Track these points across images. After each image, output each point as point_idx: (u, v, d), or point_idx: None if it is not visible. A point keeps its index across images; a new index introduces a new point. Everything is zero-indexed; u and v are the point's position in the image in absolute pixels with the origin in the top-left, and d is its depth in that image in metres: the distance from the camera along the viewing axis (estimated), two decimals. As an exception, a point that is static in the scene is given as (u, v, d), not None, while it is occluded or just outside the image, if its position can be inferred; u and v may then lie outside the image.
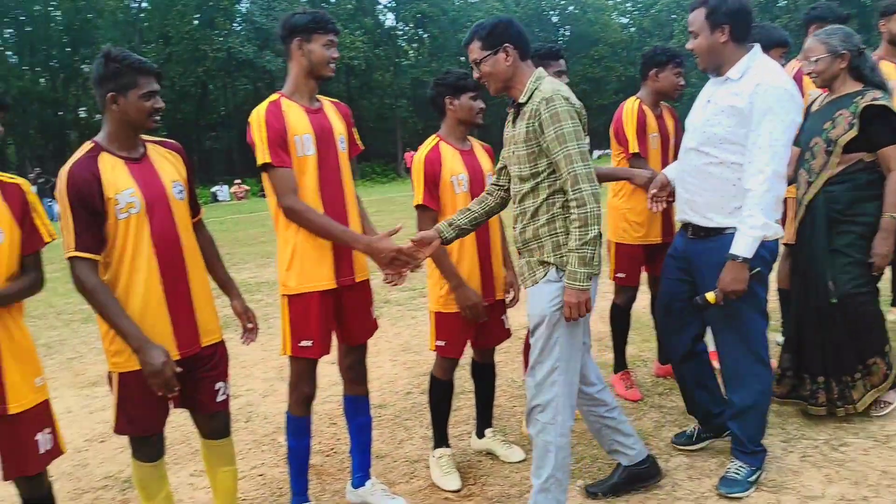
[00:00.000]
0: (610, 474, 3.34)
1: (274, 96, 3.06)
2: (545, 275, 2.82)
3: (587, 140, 2.79)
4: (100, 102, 2.64)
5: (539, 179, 2.79)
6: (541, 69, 2.86)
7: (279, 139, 2.95)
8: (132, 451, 2.83)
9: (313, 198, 3.01)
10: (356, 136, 3.32)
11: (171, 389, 2.60)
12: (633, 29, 54.90)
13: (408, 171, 35.00)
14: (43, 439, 2.56)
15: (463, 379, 4.47)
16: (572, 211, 2.70)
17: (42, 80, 40.68)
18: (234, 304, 3.04)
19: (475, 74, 2.92)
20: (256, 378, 5.53)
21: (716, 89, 3.18)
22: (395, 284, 3.19)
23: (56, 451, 2.62)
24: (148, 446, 2.81)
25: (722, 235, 3.12)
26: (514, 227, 2.96)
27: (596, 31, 51.04)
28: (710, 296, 3.08)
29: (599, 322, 5.71)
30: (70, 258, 2.55)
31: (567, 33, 53.41)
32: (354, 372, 3.29)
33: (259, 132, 2.95)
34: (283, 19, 3.06)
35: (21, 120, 36.51)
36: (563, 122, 2.68)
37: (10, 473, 2.54)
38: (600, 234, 2.74)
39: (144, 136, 2.78)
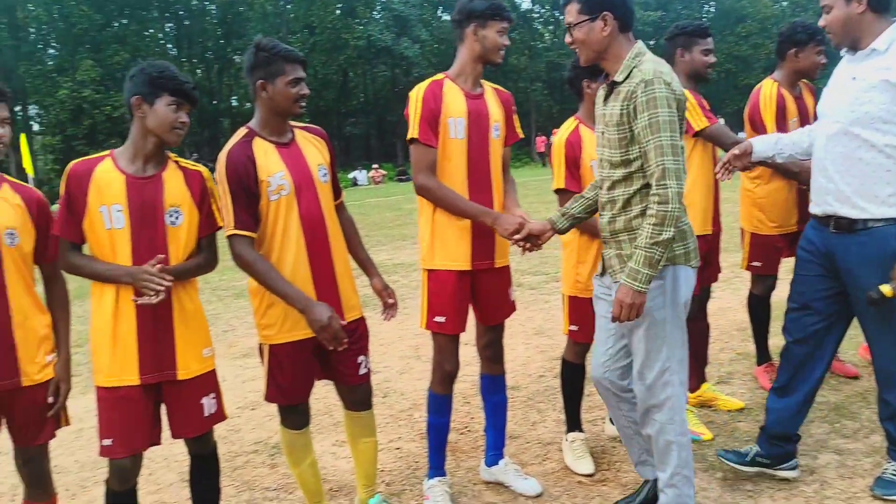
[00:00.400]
0: (636, 491, 3.10)
1: (439, 76, 3.15)
2: None
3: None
4: (251, 90, 2.83)
5: (633, 168, 2.60)
6: (641, 44, 2.65)
7: (431, 118, 3.04)
8: (281, 418, 3.02)
9: (460, 181, 3.08)
10: (516, 123, 3.33)
11: (341, 341, 2.76)
12: (784, 3, 51.57)
13: (540, 155, 34.74)
14: (208, 404, 2.77)
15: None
16: (651, 206, 2.51)
17: (198, 70, 43.41)
18: (374, 282, 3.15)
19: (567, 39, 2.73)
20: (393, 356, 5.72)
21: (857, 65, 2.93)
22: (528, 251, 3.07)
23: (219, 415, 2.83)
24: (295, 415, 2.99)
25: (874, 229, 2.88)
26: (600, 215, 2.81)
27: (743, 7, 48.34)
28: (887, 289, 2.82)
29: (741, 311, 5.48)
30: (230, 236, 2.74)
31: (712, 9, 50.99)
32: (491, 351, 3.35)
33: (414, 108, 3.06)
34: (461, 4, 3.11)
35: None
36: (659, 108, 2.47)
37: (179, 433, 2.78)
38: (673, 238, 2.55)
39: (292, 122, 2.94)
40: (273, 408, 4.74)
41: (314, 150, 2.94)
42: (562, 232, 3.03)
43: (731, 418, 3.99)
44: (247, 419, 4.62)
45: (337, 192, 3.07)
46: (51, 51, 40.24)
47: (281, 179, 2.78)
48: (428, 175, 3.06)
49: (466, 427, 4.18)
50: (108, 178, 2.60)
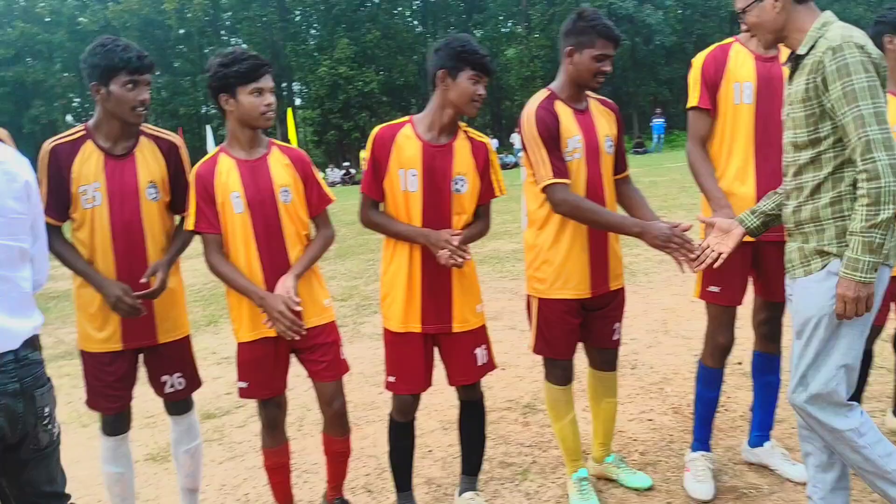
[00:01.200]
0: None
1: (728, 40, 3.07)
2: (824, 266, 2.33)
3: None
4: (561, 53, 2.92)
5: (821, 148, 2.30)
6: (828, 13, 2.32)
7: (711, 86, 2.98)
8: (545, 373, 3.14)
9: (745, 148, 2.97)
10: None
11: (687, 248, 2.70)
12: None
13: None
14: (480, 354, 2.96)
15: (881, 356, 4.05)
16: (861, 185, 2.19)
17: (440, 45, 45.24)
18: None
19: (742, 28, 2.53)
20: (639, 329, 5.64)
21: None
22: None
23: (490, 365, 3.01)
24: (560, 370, 3.10)
25: None
26: (784, 204, 2.48)
27: None
28: None
29: None
30: (548, 185, 2.84)
31: None
32: (768, 328, 3.22)
33: (694, 76, 3.02)
34: None
35: (423, 82, 41.30)
36: (853, 75, 2.17)
37: (454, 380, 2.99)
38: (893, 217, 2.18)
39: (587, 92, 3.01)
40: (522, 369, 4.92)
41: (604, 122, 3.01)
42: (753, 233, 2.69)
43: None
44: (497, 378, 4.81)
45: (621, 166, 3.09)
46: (312, 31, 43.95)
47: (577, 143, 2.88)
48: (695, 144, 3.05)
49: (723, 406, 4.02)
50: (407, 143, 2.81)
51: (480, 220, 2.95)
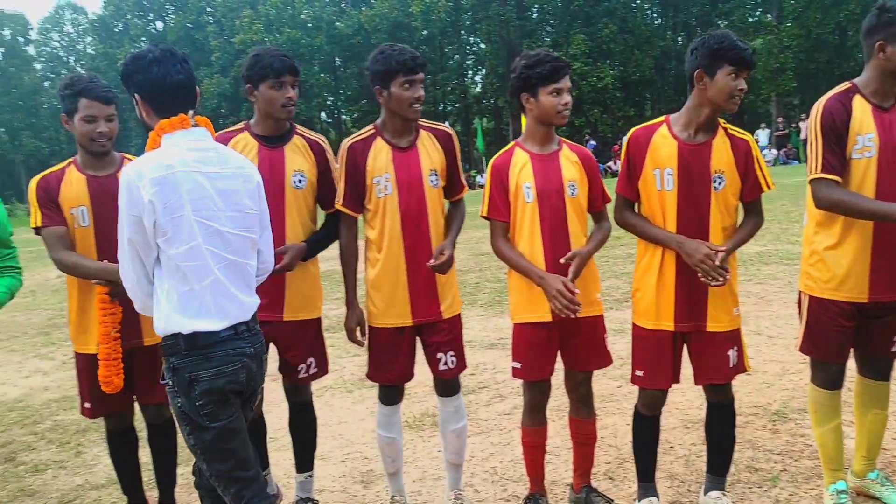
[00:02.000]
0: None
1: None
2: None
3: None
4: (866, 52, 2.80)
5: None
6: None
7: None
8: (811, 374, 3.06)
9: None
10: None
11: None
12: None
13: None
14: (732, 355, 2.94)
15: None
16: None
17: (679, 38, 43.40)
18: None
19: None
20: None
21: None
22: None
23: (741, 367, 2.99)
24: (826, 373, 3.00)
25: None
26: None
27: None
28: None
29: None
30: (814, 179, 2.81)
31: None
32: None
33: None
34: None
35: (660, 77, 40.05)
36: None
37: (703, 379, 3.01)
38: None
39: None
40: (770, 375, 4.78)
41: None
42: None
43: None
44: (743, 383, 4.66)
45: None
46: (548, 28, 44.20)
47: (869, 140, 2.77)
48: None
49: None
50: (663, 142, 2.87)
51: (750, 218, 2.94)
